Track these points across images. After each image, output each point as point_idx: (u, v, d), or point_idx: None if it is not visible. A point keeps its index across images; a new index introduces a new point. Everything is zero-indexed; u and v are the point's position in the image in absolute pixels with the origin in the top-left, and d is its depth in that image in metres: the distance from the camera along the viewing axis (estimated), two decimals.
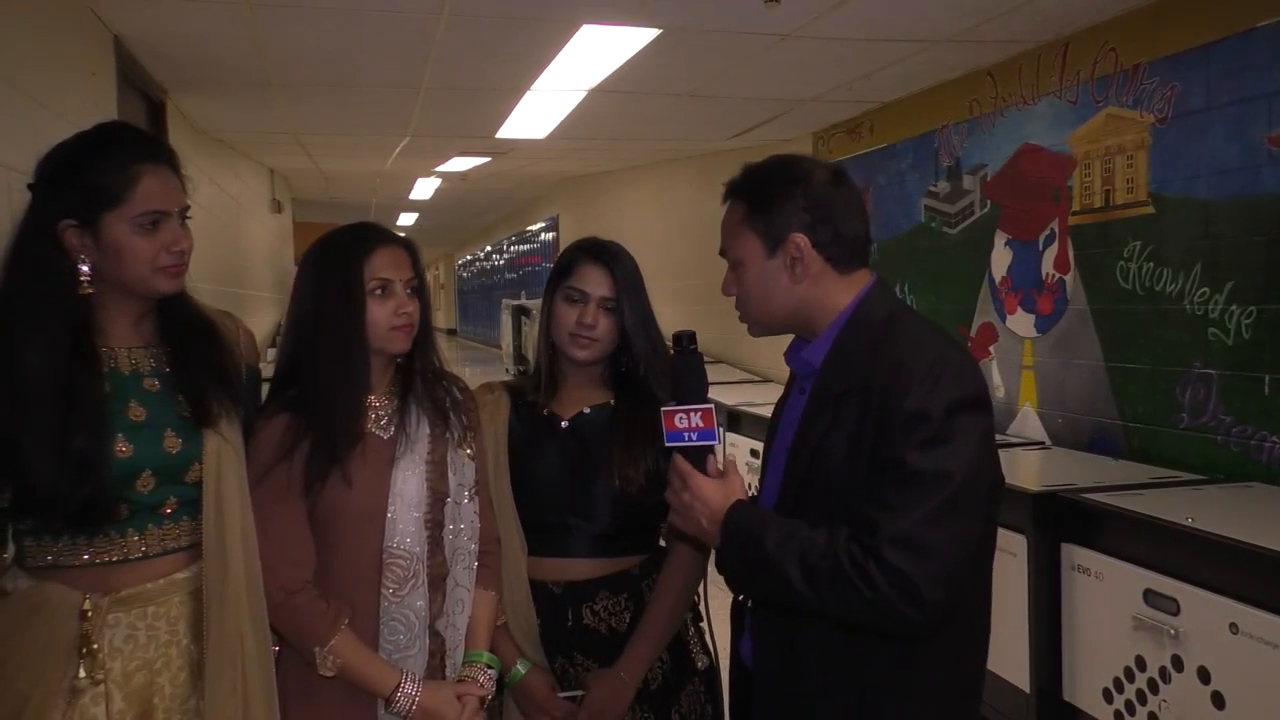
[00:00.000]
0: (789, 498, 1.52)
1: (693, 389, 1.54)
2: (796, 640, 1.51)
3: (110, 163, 1.50)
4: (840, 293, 1.53)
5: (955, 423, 1.37)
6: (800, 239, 1.50)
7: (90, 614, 1.50)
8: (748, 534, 1.44)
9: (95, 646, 1.49)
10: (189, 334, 1.64)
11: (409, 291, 1.75)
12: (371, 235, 1.76)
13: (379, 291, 1.71)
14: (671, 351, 1.59)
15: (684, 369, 1.56)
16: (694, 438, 1.52)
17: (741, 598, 1.65)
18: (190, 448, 1.57)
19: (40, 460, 1.41)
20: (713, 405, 1.53)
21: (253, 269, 7.98)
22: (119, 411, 1.53)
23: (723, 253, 1.60)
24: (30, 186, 1.53)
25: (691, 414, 1.52)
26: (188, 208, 1.59)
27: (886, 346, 1.46)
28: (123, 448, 1.51)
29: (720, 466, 1.54)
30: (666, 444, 1.54)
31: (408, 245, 1.80)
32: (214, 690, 1.55)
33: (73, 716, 1.48)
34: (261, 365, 1.85)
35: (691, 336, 1.58)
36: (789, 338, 1.65)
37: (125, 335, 1.59)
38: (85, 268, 1.50)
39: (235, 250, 7.12)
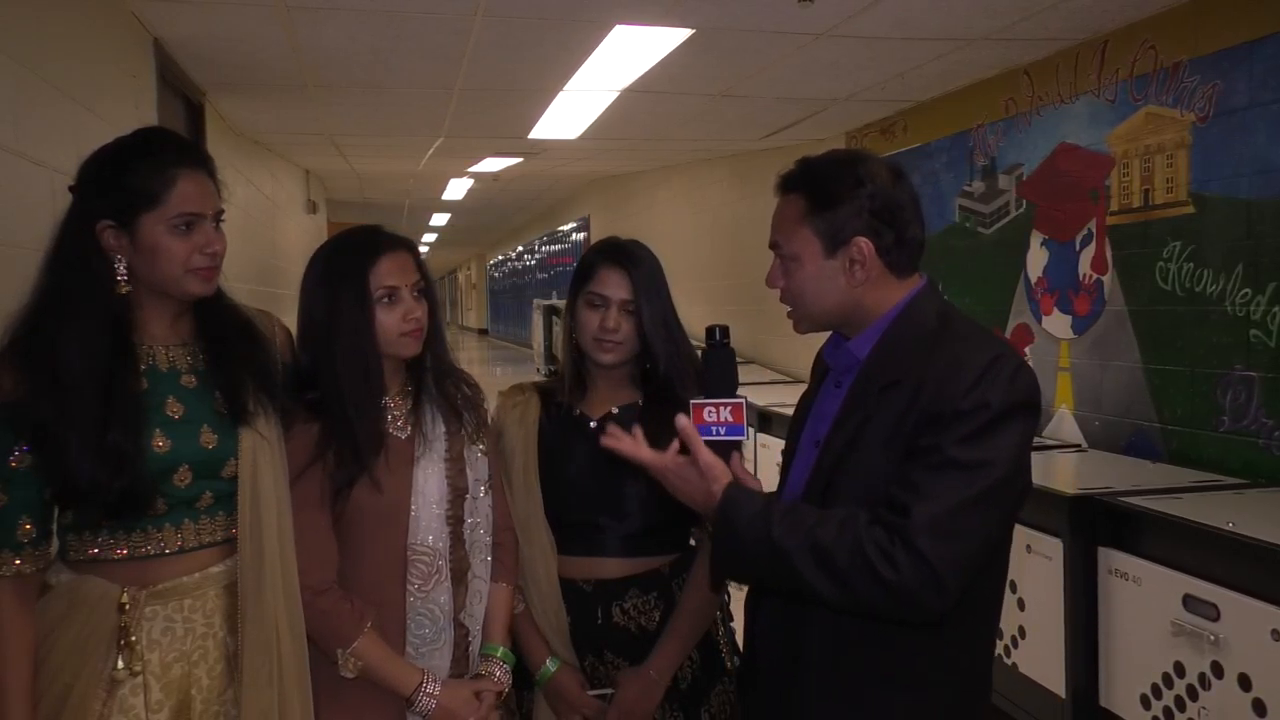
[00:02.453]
0: (817, 490, 1.48)
1: (723, 383, 1.52)
2: (800, 629, 1.48)
3: (149, 166, 1.54)
4: (893, 293, 1.51)
5: (1004, 421, 1.36)
6: (864, 243, 1.46)
7: (128, 607, 1.52)
8: (746, 517, 1.40)
9: (133, 639, 1.52)
10: (226, 332, 1.66)
11: (415, 295, 1.76)
12: (375, 242, 1.76)
13: (386, 299, 1.72)
14: (704, 345, 1.56)
15: (714, 363, 1.54)
16: (722, 432, 1.49)
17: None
18: (226, 444, 1.60)
19: (80, 453, 1.45)
20: (743, 400, 1.50)
21: (288, 269, 8.05)
22: (157, 407, 1.56)
23: (774, 245, 1.54)
24: (71, 188, 1.57)
25: (720, 408, 1.49)
26: (222, 212, 1.62)
27: (941, 343, 1.43)
28: (160, 443, 1.54)
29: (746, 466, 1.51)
30: None
31: (410, 247, 1.80)
32: (250, 682, 1.57)
33: (112, 706, 1.51)
34: None
35: (724, 330, 1.54)
36: (823, 336, 1.62)
37: (162, 333, 1.62)
38: (122, 267, 1.54)
39: (271, 250, 7.20)
